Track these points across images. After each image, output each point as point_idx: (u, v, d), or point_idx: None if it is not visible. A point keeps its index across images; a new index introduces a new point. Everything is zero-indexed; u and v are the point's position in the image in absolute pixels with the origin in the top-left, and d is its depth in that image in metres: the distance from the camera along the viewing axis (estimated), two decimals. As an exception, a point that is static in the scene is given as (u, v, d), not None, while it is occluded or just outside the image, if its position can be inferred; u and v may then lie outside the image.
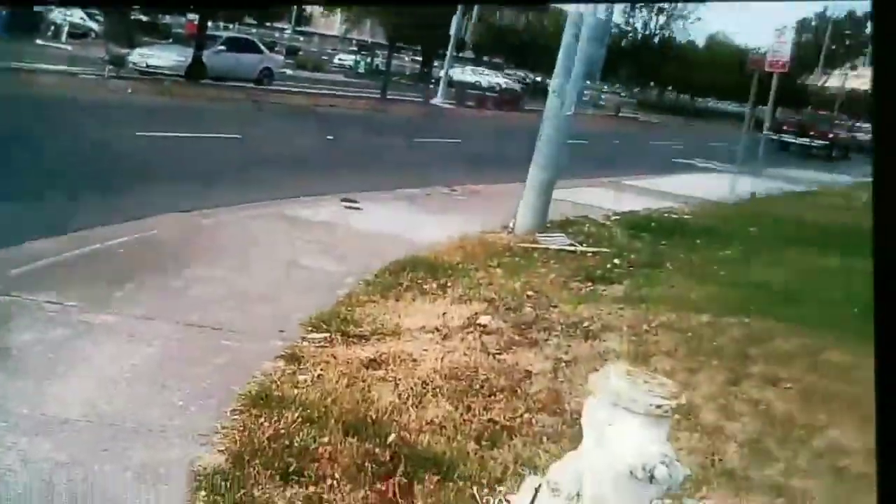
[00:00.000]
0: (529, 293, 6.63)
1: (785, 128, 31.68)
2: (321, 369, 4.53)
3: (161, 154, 11.51)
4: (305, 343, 4.94)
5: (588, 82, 10.39)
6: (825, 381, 5.19)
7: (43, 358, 4.21)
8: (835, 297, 7.83)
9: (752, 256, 9.57)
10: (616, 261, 8.25)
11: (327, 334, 5.12)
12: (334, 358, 4.73)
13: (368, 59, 43.29)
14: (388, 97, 31.21)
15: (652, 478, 2.40)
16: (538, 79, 40.36)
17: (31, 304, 4.93)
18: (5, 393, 3.78)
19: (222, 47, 24.04)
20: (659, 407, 2.44)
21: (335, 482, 3.41)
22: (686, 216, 12.22)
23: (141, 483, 3.23)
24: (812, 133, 31.40)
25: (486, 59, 51.46)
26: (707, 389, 4.91)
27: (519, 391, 4.58)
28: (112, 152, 10.78)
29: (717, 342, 5.86)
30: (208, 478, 3.31)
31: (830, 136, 31.70)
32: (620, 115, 41.66)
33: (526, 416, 4.27)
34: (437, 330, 5.41)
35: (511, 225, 9.24)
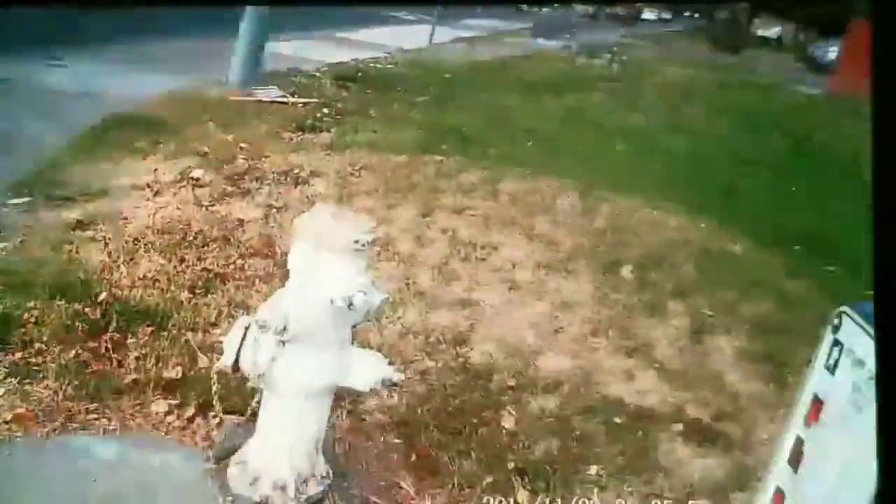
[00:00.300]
0: (242, 145, 6.37)
1: None
2: (24, 235, 4.10)
3: None
4: (5, 209, 4.42)
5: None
6: (503, 208, 5.55)
7: None
8: (515, 133, 8.33)
9: (446, 101, 9.84)
10: (325, 110, 8.12)
11: (30, 198, 4.62)
12: (39, 222, 4.30)
13: None
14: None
15: (351, 305, 2.42)
16: None
17: None
18: None
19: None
20: (357, 242, 2.45)
21: (43, 345, 3.15)
22: (389, 66, 12.23)
23: None
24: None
25: None
26: (403, 223, 5.07)
27: (232, 239, 4.45)
28: None
29: (413, 180, 6.03)
30: None
31: None
32: None
33: (239, 262, 4.18)
34: (149, 186, 5.07)
35: (225, 78, 8.73)
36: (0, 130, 5.99)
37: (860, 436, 0.91)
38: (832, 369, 1.03)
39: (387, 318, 3.76)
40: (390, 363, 2.61)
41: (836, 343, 1.03)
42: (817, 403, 1.05)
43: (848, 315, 1.04)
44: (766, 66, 23.33)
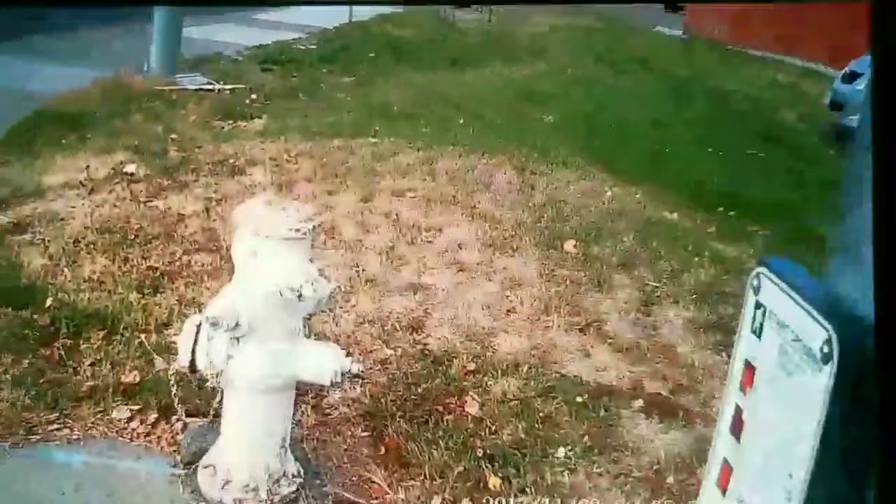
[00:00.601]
0: (173, 136, 6.23)
1: None
2: (-43, 242, 3.95)
3: None
4: (-68, 217, 4.25)
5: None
6: (442, 188, 5.58)
7: None
8: (443, 109, 8.34)
9: (373, 80, 9.78)
10: (253, 96, 7.98)
11: (-43, 204, 4.45)
12: (-29, 228, 4.14)
13: None
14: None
15: (300, 296, 2.42)
16: None
17: None
18: None
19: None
20: (297, 230, 2.44)
21: (-6, 357, 3.07)
22: (312, 46, 12.05)
23: None
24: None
25: None
26: (345, 208, 5.06)
27: (175, 235, 4.38)
28: None
29: (350, 164, 6.00)
30: None
31: None
32: None
33: (184, 258, 4.11)
34: (83, 184, 4.92)
35: (145, 67, 8.46)
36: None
37: (792, 400, 0.90)
38: (758, 333, 1.00)
39: (340, 307, 3.76)
40: (348, 354, 2.62)
41: (759, 305, 1.00)
42: (749, 369, 1.01)
43: (765, 276, 0.99)
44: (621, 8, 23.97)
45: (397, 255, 4.43)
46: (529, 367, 3.34)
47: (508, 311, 3.89)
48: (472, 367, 3.34)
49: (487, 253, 4.53)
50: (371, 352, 3.42)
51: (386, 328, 3.62)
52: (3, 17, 10.77)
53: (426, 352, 3.45)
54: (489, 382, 3.23)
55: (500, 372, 3.30)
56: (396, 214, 5.04)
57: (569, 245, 4.70)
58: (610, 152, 7.21)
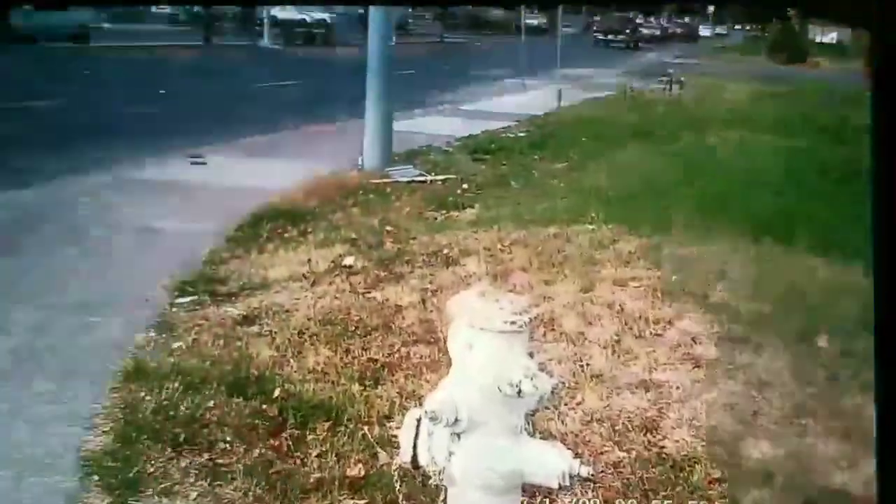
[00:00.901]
0: (388, 228, 6.61)
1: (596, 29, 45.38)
2: (195, 333, 4.37)
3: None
4: (174, 309, 4.74)
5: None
6: (669, 277, 5.47)
7: None
8: (653, 191, 8.24)
9: (584, 164, 9.90)
10: (465, 186, 8.33)
11: (195, 297, 4.94)
12: (206, 320, 4.58)
13: (188, 6, 41.15)
14: (215, 43, 29.90)
15: (520, 392, 2.43)
16: (361, 11, 39.92)
17: None
18: None
19: (28, 6, 21.86)
20: (513, 322, 2.46)
21: (228, 445, 3.32)
22: (521, 133, 12.45)
23: (29, 476, 3.04)
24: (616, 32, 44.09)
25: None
26: (565, 299, 5.07)
27: (393, 326, 4.59)
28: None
29: (567, 252, 6.05)
30: (97, 461, 3.16)
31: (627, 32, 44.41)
32: (431, 40, 42.03)
33: (403, 350, 4.29)
34: (305, 277, 5.32)
35: (359, 162, 9.13)
36: (153, 229, 6.48)
37: None
38: None
39: (565, 404, 3.74)
40: (577, 455, 2.58)
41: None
42: None
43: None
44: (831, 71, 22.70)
45: (624, 349, 4.36)
46: (785, 478, 3.12)
47: (755, 412, 3.68)
48: (717, 474, 3.17)
49: (726, 347, 4.35)
50: (602, 453, 3.35)
51: (617, 428, 3.54)
52: (226, 120, 12.12)
53: (663, 455, 3.33)
54: (739, 493, 3.05)
55: (751, 482, 3.11)
56: (620, 305, 4.98)
57: (821, 340, 4.42)
58: (823, 226, 6.74)
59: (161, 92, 16.13)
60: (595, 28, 47.65)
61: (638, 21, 48.74)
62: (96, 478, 3.07)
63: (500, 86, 19.79)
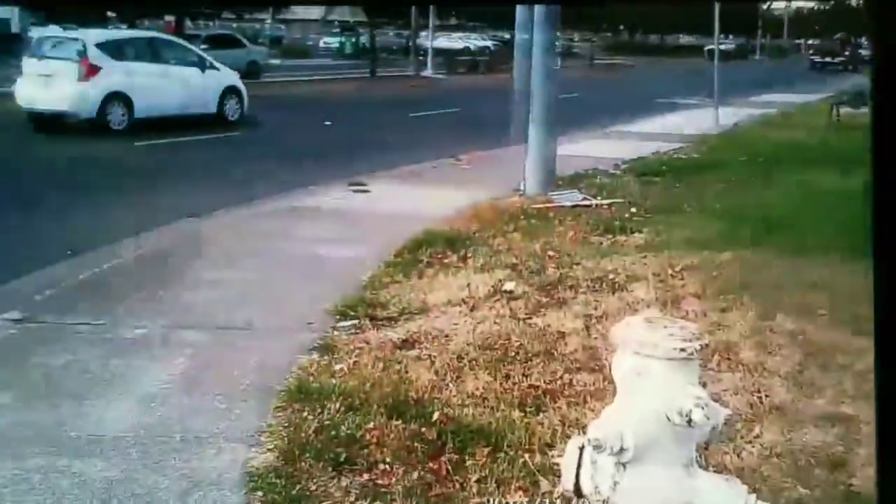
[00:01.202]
0: (551, 253, 6.62)
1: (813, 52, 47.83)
2: (356, 356, 4.54)
3: (167, 159, 11.64)
4: (336, 332, 4.95)
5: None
6: (856, 307, 5.17)
7: (80, 379, 4.24)
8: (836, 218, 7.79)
9: (760, 187, 9.54)
10: (632, 210, 8.23)
11: (356, 321, 5.13)
12: (367, 343, 4.75)
13: (353, 39, 43.15)
14: (379, 74, 31.06)
15: (690, 421, 2.37)
16: (525, 37, 40.73)
17: (59, 327, 4.95)
18: (52, 418, 3.81)
19: (205, 46, 23.56)
20: (682, 350, 2.42)
21: (387, 467, 3.43)
22: (694, 155, 12.17)
23: (197, 491, 3.25)
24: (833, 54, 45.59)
25: (469, 24, 51.41)
26: (742, 327, 4.90)
27: (555, 353, 4.59)
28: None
29: (743, 278, 5.84)
30: (262, 477, 3.33)
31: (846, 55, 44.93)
32: (596, 61, 41.88)
33: (565, 377, 4.28)
34: (464, 302, 5.41)
35: (521, 187, 9.22)
36: (316, 255, 6.80)
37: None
38: None
39: (741, 437, 3.61)
40: (754, 491, 2.48)
41: None
42: None
43: None
44: None
45: (807, 381, 4.16)
46: None
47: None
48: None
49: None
50: (782, 490, 3.21)
51: (799, 464, 3.38)
52: (388, 148, 12.57)
53: (851, 494, 3.14)
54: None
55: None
56: (803, 334, 4.76)
57: None
58: None
59: (326, 123, 16.95)
60: (812, 51, 50.64)
61: (856, 41, 48.99)
62: (261, 493, 3.24)
63: (674, 108, 19.47)
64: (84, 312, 5.22)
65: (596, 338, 4.79)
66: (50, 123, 14.46)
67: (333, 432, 3.66)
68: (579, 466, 2.62)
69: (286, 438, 3.63)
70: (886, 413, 0.77)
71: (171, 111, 15.17)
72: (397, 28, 50.51)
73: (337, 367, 4.40)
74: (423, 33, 40.44)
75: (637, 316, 2.70)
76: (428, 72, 35.64)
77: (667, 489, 2.47)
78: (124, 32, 18.89)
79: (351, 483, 3.32)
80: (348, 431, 3.66)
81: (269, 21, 47.46)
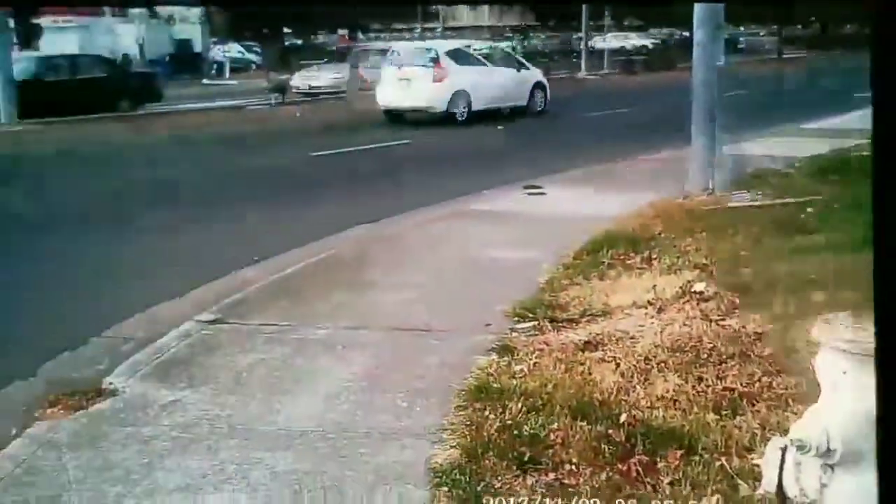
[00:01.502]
0: (742, 253, 6.43)
1: None
2: (536, 357, 4.57)
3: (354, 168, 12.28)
4: (515, 334, 5.00)
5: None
6: None
7: (269, 377, 4.50)
8: None
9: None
10: (809, 210, 7.86)
11: (535, 322, 5.17)
12: (547, 345, 4.77)
13: (514, 44, 43.58)
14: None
15: None
16: (685, 34, 39.78)
17: (248, 328, 5.28)
18: (243, 413, 4.07)
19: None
20: None
21: (573, 467, 3.44)
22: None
23: (383, 484, 3.38)
24: None
25: (626, 23, 50.88)
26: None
27: (751, 355, 4.45)
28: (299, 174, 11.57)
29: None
30: (446, 474, 3.42)
31: None
32: (769, 57, 40.35)
33: (764, 379, 4.15)
34: (650, 304, 5.34)
35: (709, 185, 9.02)
36: (492, 258, 6.90)
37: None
38: None
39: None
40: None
41: None
42: None
43: None
44: None
45: None
46: None
47: None
48: None
49: None
50: None
51: None
52: (560, 150, 12.59)
53: None
54: None
55: None
56: None
57: None
58: None
59: (499, 128, 17.19)
60: None
61: None
62: (446, 489, 3.33)
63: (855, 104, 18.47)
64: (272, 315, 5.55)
65: (795, 339, 4.61)
66: (400, 117, 18.74)
67: (516, 432, 3.70)
68: (781, 468, 2.56)
69: (468, 436, 3.71)
70: (886, 413, 0.76)
71: (497, 104, 19.07)
72: (552, 30, 50.66)
73: (517, 368, 4.45)
74: (577, 35, 40.53)
75: (841, 313, 2.60)
76: (582, 73, 35.53)
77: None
78: (461, 42, 22.31)
79: (536, 482, 3.36)
80: (531, 431, 3.70)
81: (439, 29, 48.58)
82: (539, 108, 20.06)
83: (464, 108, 18.40)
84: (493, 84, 19.06)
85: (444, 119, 18.14)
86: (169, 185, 11.14)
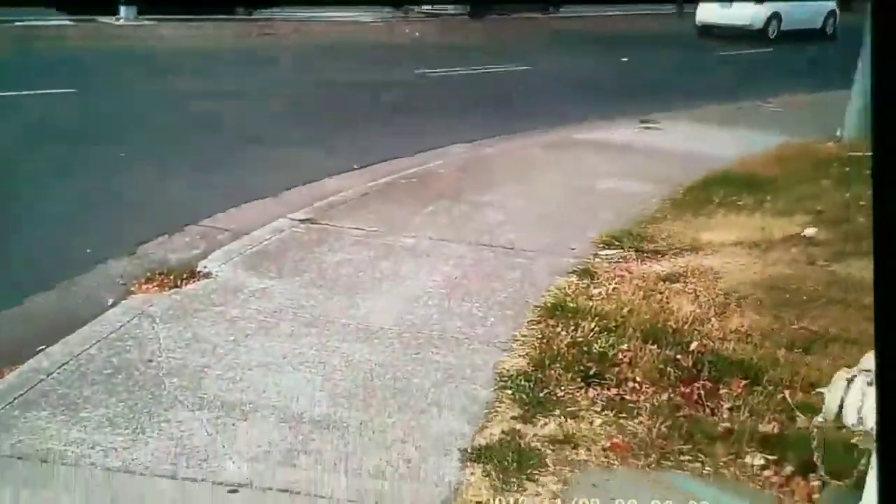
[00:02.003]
0: (862, 203, 6.49)
1: None
2: (615, 283, 4.86)
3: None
4: (598, 259, 5.29)
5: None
6: None
7: (353, 276, 4.92)
8: None
9: None
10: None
11: (620, 250, 5.45)
12: (629, 272, 5.06)
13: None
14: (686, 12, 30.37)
15: None
16: None
17: (338, 230, 5.72)
18: (325, 305, 4.50)
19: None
20: None
21: (637, 385, 3.74)
22: None
23: (451, 382, 3.75)
24: None
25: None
26: None
27: (846, 301, 4.62)
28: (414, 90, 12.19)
29: None
30: (512, 379, 3.77)
31: None
32: None
33: (848, 324, 4.32)
34: (755, 244, 5.54)
35: (838, 133, 8.95)
36: (599, 189, 7.13)
37: None
38: None
39: None
40: None
41: None
42: None
43: None
44: None
45: None
46: None
47: None
48: None
49: None
50: None
51: None
52: (685, 88, 12.51)
53: None
54: None
55: None
56: None
57: None
58: None
59: (623, 60, 17.10)
60: None
61: None
62: (510, 392, 3.69)
63: None
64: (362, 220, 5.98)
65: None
66: (709, 33, 22.64)
67: (585, 348, 4.02)
68: (845, 396, 2.77)
69: (538, 348, 4.06)
70: (886, 413, 0.89)
71: (799, 26, 23.12)
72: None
73: (595, 291, 4.76)
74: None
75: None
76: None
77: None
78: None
79: (598, 395, 3.68)
80: (601, 349, 4.01)
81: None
82: (829, 32, 23.99)
83: (774, 28, 22.61)
84: (799, 9, 23.33)
85: (759, 36, 22.01)
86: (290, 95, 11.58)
